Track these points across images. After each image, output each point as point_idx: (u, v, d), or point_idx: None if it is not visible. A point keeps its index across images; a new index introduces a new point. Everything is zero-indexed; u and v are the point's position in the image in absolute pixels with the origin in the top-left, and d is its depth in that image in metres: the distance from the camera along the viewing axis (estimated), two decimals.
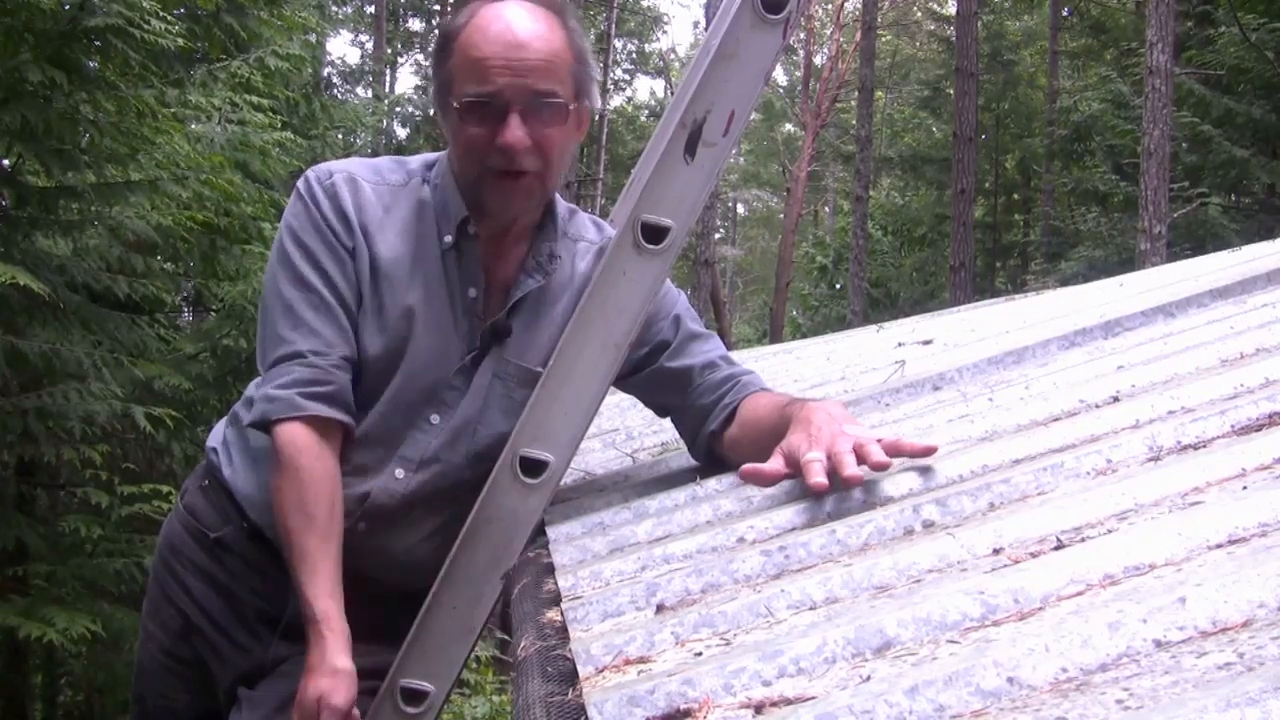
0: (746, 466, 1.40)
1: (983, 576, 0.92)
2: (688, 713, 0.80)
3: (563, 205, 1.77)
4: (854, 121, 21.82)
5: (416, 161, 1.74)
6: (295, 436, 1.59)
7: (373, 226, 1.66)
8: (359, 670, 1.65)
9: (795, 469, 1.36)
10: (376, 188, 1.68)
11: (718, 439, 1.69)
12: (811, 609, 0.99)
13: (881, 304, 20.97)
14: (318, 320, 1.62)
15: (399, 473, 1.69)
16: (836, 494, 1.30)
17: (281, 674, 1.73)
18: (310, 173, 1.69)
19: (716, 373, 1.72)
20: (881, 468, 1.27)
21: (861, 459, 1.29)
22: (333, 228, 1.64)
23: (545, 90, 1.56)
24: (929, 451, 1.31)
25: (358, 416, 1.66)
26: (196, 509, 1.83)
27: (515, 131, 1.54)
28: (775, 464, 1.39)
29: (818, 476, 1.27)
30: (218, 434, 1.87)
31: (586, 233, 1.79)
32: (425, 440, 1.69)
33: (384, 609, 1.67)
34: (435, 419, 1.69)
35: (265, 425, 1.61)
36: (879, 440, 1.32)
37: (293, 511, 1.57)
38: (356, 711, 1.54)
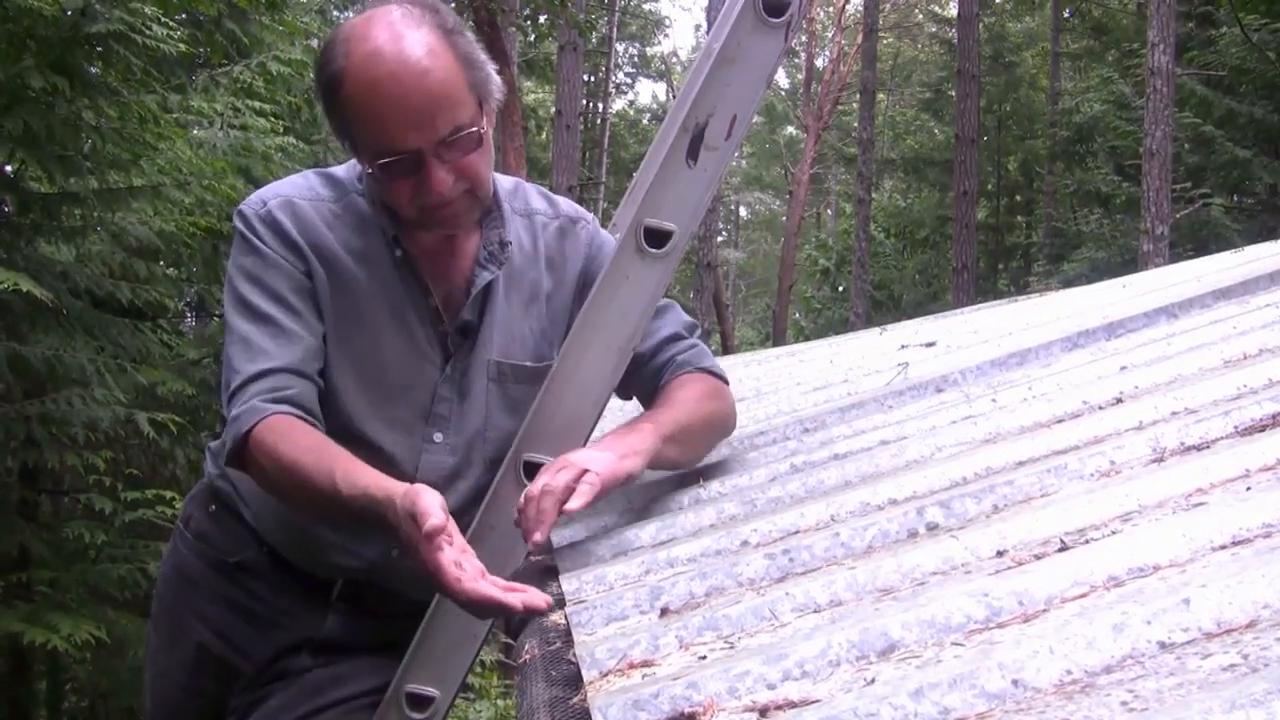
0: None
1: (987, 579, 0.92)
2: (692, 716, 0.80)
3: (504, 184, 1.71)
4: (856, 124, 21.81)
5: (344, 171, 1.67)
6: (265, 433, 1.48)
7: (322, 243, 1.60)
8: (374, 689, 1.64)
9: None
10: (314, 204, 1.62)
11: None
12: (816, 612, 0.99)
13: (884, 306, 20.97)
14: (275, 346, 1.54)
15: None
16: (840, 497, 1.30)
17: (300, 679, 1.71)
18: (243, 207, 1.62)
19: (660, 356, 1.71)
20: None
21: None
22: (282, 254, 1.58)
23: (455, 127, 1.47)
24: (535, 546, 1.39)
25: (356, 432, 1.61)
26: (209, 536, 1.77)
27: (439, 177, 1.49)
28: None
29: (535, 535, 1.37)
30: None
31: (536, 204, 1.74)
32: (439, 461, 1.66)
33: (404, 620, 1.63)
34: (439, 437, 1.66)
35: (238, 445, 1.50)
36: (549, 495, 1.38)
37: (301, 485, 1.45)
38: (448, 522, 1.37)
